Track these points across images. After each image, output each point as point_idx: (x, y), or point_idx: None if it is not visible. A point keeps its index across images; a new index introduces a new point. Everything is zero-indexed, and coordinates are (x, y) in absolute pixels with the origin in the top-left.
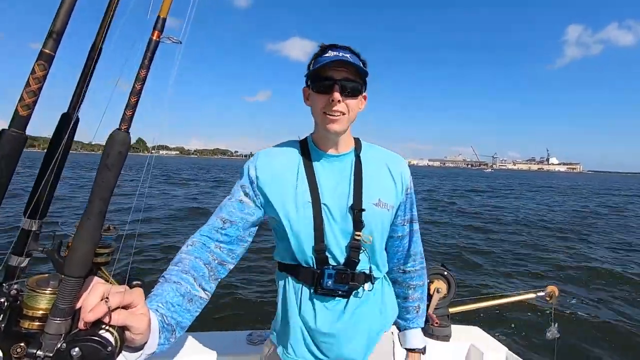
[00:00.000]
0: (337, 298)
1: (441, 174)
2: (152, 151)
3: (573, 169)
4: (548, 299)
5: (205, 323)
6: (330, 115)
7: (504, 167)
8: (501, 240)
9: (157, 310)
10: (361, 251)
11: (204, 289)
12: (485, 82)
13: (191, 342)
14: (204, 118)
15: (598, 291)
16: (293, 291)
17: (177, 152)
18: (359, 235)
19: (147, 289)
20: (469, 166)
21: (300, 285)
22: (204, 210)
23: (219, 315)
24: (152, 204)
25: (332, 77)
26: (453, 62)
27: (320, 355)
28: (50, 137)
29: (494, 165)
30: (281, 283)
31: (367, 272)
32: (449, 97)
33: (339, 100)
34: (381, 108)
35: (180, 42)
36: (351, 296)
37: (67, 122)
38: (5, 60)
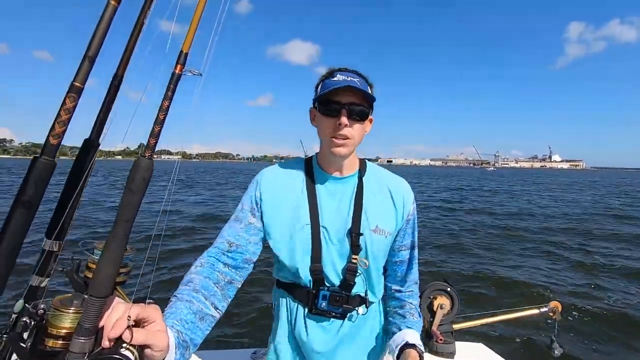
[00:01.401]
0: (331, 319)
1: (441, 173)
2: (174, 162)
3: (576, 166)
4: (551, 314)
5: (210, 341)
6: (337, 139)
7: (507, 165)
8: (508, 250)
9: (172, 326)
10: (357, 275)
11: (215, 308)
12: (487, 81)
13: (196, 359)
14: (206, 122)
15: (605, 304)
16: (288, 310)
17: (179, 157)
18: (355, 259)
19: (163, 307)
20: (472, 165)
21: (296, 304)
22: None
23: (224, 333)
24: (171, 218)
25: (340, 101)
26: (454, 62)
27: None
28: (65, 144)
29: (496, 164)
30: (278, 301)
31: (363, 295)
32: (450, 98)
33: (346, 124)
34: (383, 110)
35: (201, 75)
36: (345, 319)
37: (90, 148)
38: (10, 70)
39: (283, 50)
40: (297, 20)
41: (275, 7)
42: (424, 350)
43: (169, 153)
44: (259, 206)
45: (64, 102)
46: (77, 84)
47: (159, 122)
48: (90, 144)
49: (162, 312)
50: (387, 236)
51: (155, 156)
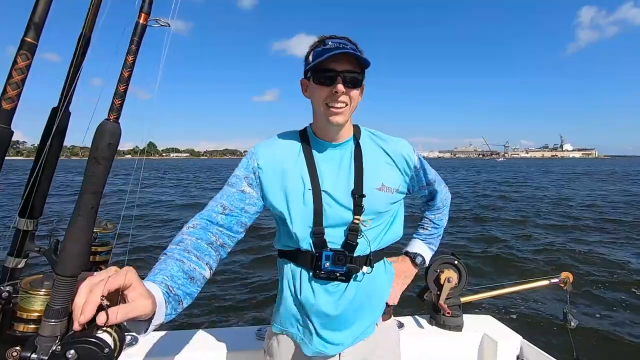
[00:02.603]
0: (337, 282)
1: (448, 165)
2: (148, 146)
3: (588, 154)
4: (562, 285)
5: (214, 319)
6: (333, 107)
7: (517, 155)
8: (516, 228)
9: (162, 282)
10: (360, 236)
11: (210, 267)
12: (495, 71)
13: (201, 338)
14: (213, 120)
15: (617, 279)
16: (292, 276)
17: (188, 154)
18: (357, 219)
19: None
20: (481, 156)
21: (299, 269)
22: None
23: (228, 312)
24: (150, 201)
25: (335, 68)
26: (461, 53)
27: (318, 338)
28: (76, 145)
29: (506, 154)
30: (282, 270)
31: (367, 256)
32: (459, 88)
33: (342, 92)
34: (388, 102)
35: (169, 25)
36: (351, 280)
37: (57, 116)
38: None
39: (287, 45)
40: (300, 14)
41: (278, 1)
42: (423, 256)
43: (178, 151)
44: (256, 175)
45: (15, 61)
46: (28, 39)
47: (124, 81)
48: (57, 112)
49: (152, 269)
50: (394, 193)
51: (164, 154)
